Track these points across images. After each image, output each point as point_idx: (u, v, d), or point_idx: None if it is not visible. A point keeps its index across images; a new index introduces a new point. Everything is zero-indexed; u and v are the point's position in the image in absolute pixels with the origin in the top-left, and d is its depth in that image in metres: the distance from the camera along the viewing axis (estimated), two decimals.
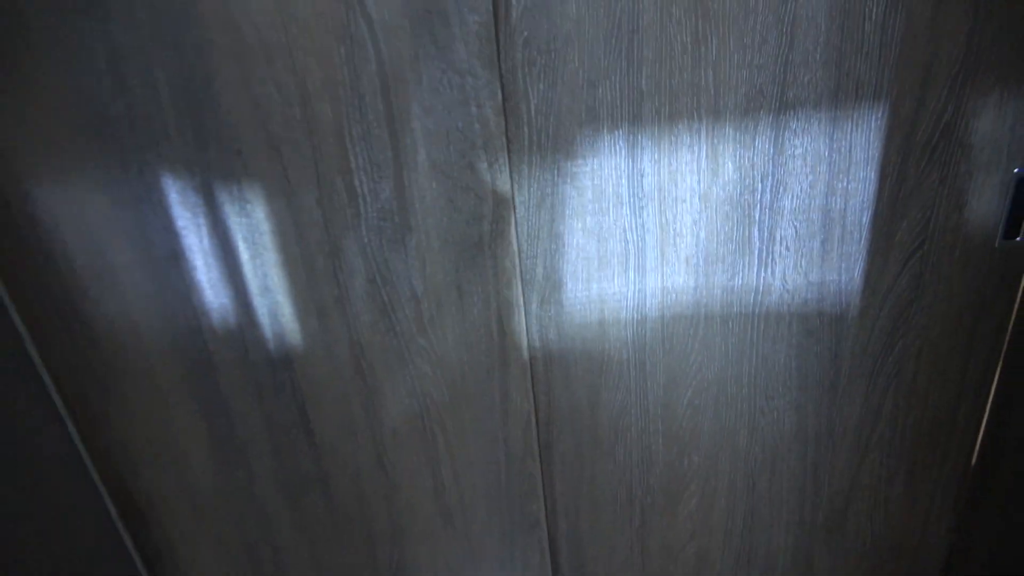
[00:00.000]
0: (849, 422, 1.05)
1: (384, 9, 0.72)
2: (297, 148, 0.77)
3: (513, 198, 0.84)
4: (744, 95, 0.81)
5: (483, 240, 0.85)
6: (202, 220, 0.80)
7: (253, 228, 0.81)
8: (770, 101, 0.82)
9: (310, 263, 0.83)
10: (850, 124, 0.84)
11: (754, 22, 0.78)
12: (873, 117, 0.83)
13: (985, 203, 0.90)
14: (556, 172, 0.84)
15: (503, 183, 0.83)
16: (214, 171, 0.77)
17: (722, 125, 0.83)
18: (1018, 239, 0.93)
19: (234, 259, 0.82)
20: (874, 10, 0.78)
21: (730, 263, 0.91)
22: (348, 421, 0.93)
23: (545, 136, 0.81)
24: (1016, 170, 0.88)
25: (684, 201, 0.87)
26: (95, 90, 0.72)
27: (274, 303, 0.85)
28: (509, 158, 0.82)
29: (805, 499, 1.12)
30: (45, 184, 0.76)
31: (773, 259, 0.91)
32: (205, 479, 0.95)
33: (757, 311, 0.95)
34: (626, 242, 0.89)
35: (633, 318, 0.94)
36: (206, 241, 0.81)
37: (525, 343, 0.93)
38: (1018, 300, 0.98)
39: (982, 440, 1.09)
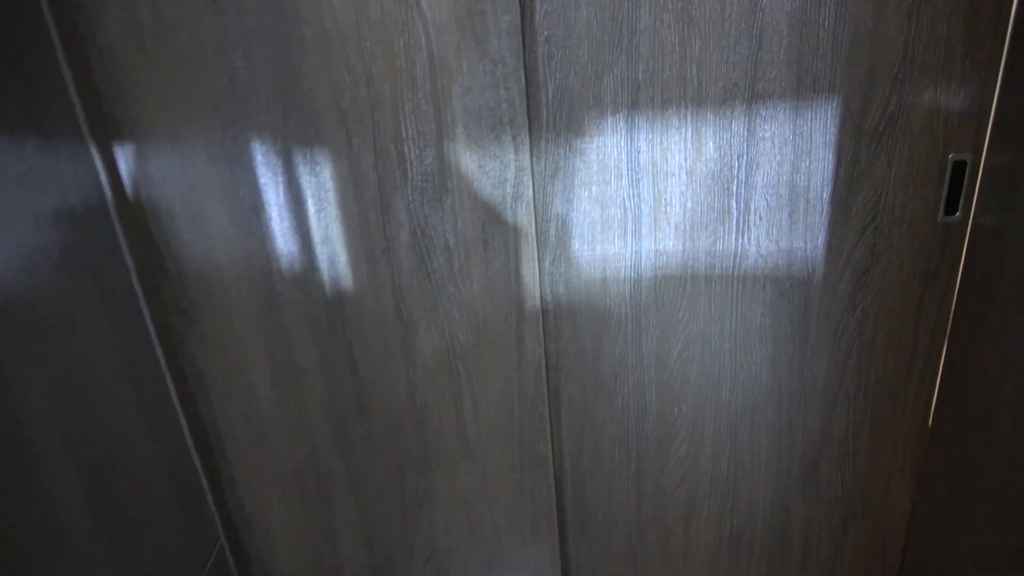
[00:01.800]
0: (818, 378, 1.21)
1: (436, 9, 0.91)
2: (360, 121, 0.96)
3: (532, 167, 1.02)
4: (722, 87, 1.00)
5: (506, 201, 1.03)
6: (280, 179, 0.98)
7: (320, 186, 0.99)
8: (743, 92, 1.00)
9: (364, 218, 1.01)
10: (810, 113, 1.02)
11: (729, 28, 0.97)
12: (829, 108, 1.02)
13: (927, 183, 1.08)
14: (568, 147, 1.02)
15: (523, 154, 1.01)
16: (293, 138, 0.96)
17: (704, 111, 1.01)
18: (957, 215, 1.10)
19: (303, 212, 1.01)
20: (826, 20, 0.97)
21: (712, 230, 1.09)
22: (387, 358, 1.11)
23: (559, 117, 1.00)
24: (950, 155, 1.06)
25: (673, 175, 1.05)
26: (206, 69, 0.92)
27: (332, 251, 1.03)
28: (529, 134, 1.00)
29: (782, 450, 1.28)
30: (159, 144, 0.95)
31: (748, 227, 1.09)
32: (265, 408, 1.12)
33: (736, 273, 1.12)
34: (625, 209, 1.07)
35: (630, 276, 1.11)
36: (282, 196, 0.99)
37: (538, 294, 1.10)
38: (960, 269, 1.15)
39: (937, 397, 1.25)
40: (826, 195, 1.07)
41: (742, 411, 1.24)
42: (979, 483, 1.21)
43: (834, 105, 1.02)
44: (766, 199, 1.07)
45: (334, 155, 0.98)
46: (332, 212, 1.01)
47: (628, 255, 1.10)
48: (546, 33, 0.96)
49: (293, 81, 0.94)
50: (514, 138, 1.00)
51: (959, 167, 1.07)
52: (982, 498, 1.21)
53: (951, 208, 1.10)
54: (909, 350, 1.20)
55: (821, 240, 1.10)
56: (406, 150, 0.98)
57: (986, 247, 1.10)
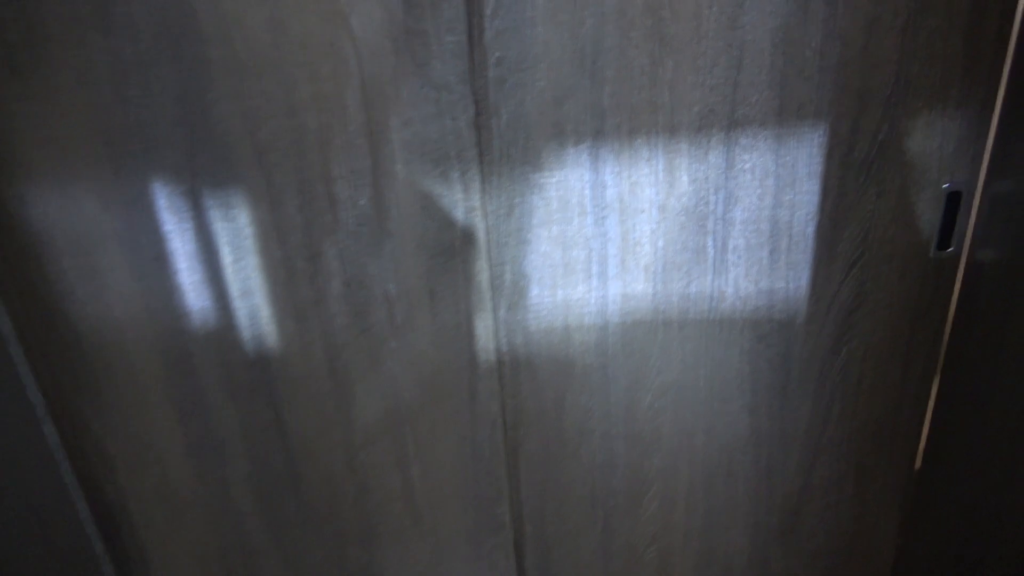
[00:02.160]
0: (800, 425, 1.11)
1: (368, 28, 0.78)
2: (282, 156, 0.82)
3: (483, 206, 0.89)
4: (697, 113, 0.88)
5: (454, 246, 0.90)
6: (188, 224, 0.83)
7: (237, 232, 0.85)
8: (721, 119, 0.89)
9: (290, 267, 0.87)
10: (794, 141, 0.91)
11: (706, 47, 0.85)
12: (815, 135, 0.91)
13: (919, 216, 0.98)
14: (524, 183, 0.89)
15: (474, 192, 0.88)
16: (202, 177, 0.81)
17: (678, 141, 0.89)
18: (951, 250, 1.01)
19: (217, 262, 0.86)
20: (813, 38, 0.86)
21: (686, 271, 0.97)
22: (322, 422, 0.97)
23: (514, 149, 0.87)
24: (945, 185, 0.96)
25: (643, 211, 0.93)
26: (95, 98, 0.76)
27: (254, 306, 0.89)
28: (480, 169, 0.87)
29: (760, 501, 1.17)
30: (40, 188, 0.79)
31: (726, 267, 0.98)
32: (180, 481, 0.97)
33: (712, 317, 1.01)
34: (589, 250, 0.94)
35: (596, 323, 0.99)
36: (191, 244, 0.84)
37: (493, 346, 0.97)
38: (953, 308, 1.05)
39: (925, 443, 1.16)
40: (810, 231, 0.97)
41: (718, 462, 1.13)
42: (968, 529, 1.12)
43: (821, 132, 0.91)
44: (745, 236, 0.96)
45: (252, 196, 0.83)
46: (251, 261, 0.86)
47: (593, 300, 0.98)
48: (498, 55, 0.83)
49: (199, 111, 0.79)
50: (463, 174, 0.87)
51: (954, 198, 0.97)
52: (971, 544, 1.13)
53: (944, 242, 1.00)
54: (897, 393, 1.11)
55: (804, 279, 1.00)
56: (337, 190, 0.84)
57: (981, 283, 1.01)
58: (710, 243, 0.96)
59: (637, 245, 0.95)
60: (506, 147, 0.87)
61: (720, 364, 1.04)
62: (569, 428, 1.06)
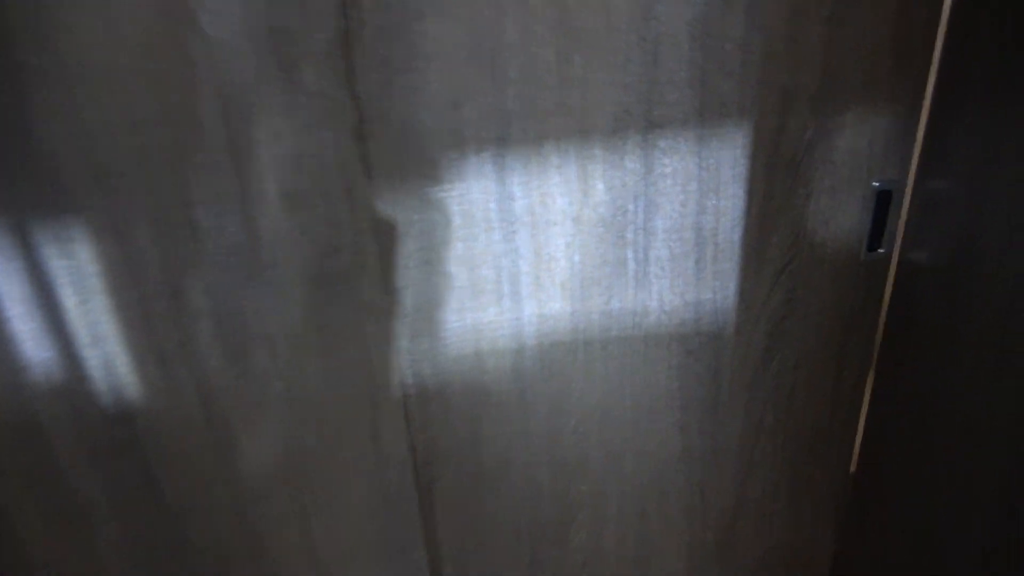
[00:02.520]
0: (732, 439, 1.04)
1: (221, 26, 0.65)
2: (127, 180, 0.69)
3: (375, 227, 0.78)
4: (612, 115, 0.79)
5: (344, 273, 0.79)
6: (16, 264, 0.70)
7: (78, 270, 0.71)
8: (638, 120, 0.80)
9: (147, 307, 0.74)
10: (717, 142, 0.83)
11: (618, 41, 0.76)
12: (739, 135, 0.83)
13: (850, 217, 0.92)
14: (420, 198, 0.79)
15: (362, 211, 0.77)
16: (29, 207, 0.68)
17: (591, 145, 0.80)
18: (881, 250, 0.95)
19: (58, 306, 0.72)
20: (735, 30, 0.77)
21: (606, 286, 0.88)
22: (202, 478, 0.84)
23: (407, 160, 0.76)
24: (875, 184, 0.90)
25: (556, 224, 0.84)
26: None
27: (108, 353, 0.75)
28: (368, 184, 0.76)
29: (694, 519, 1.11)
30: None
31: (649, 280, 0.89)
32: (39, 557, 0.84)
33: (636, 333, 0.92)
34: (499, 268, 0.84)
35: (511, 347, 0.89)
36: (23, 288, 0.70)
37: (397, 380, 0.87)
38: (884, 311, 1.00)
39: (859, 450, 1.11)
40: (737, 237, 0.89)
41: (649, 483, 1.05)
42: (904, 532, 1.08)
43: (745, 132, 0.83)
44: (668, 246, 0.88)
45: (93, 227, 0.70)
46: (100, 303, 0.73)
47: (507, 323, 0.88)
48: (382, 54, 0.71)
49: (17, 129, 0.65)
50: (348, 191, 0.75)
51: (884, 197, 0.91)
52: (907, 548, 1.09)
53: (875, 243, 0.94)
54: (830, 401, 1.05)
55: (732, 289, 0.92)
56: (199, 216, 0.72)
57: (913, 284, 0.95)
58: (630, 255, 0.87)
59: (551, 261, 0.86)
60: (397, 158, 0.76)
61: (647, 382, 0.96)
62: (488, 460, 0.96)
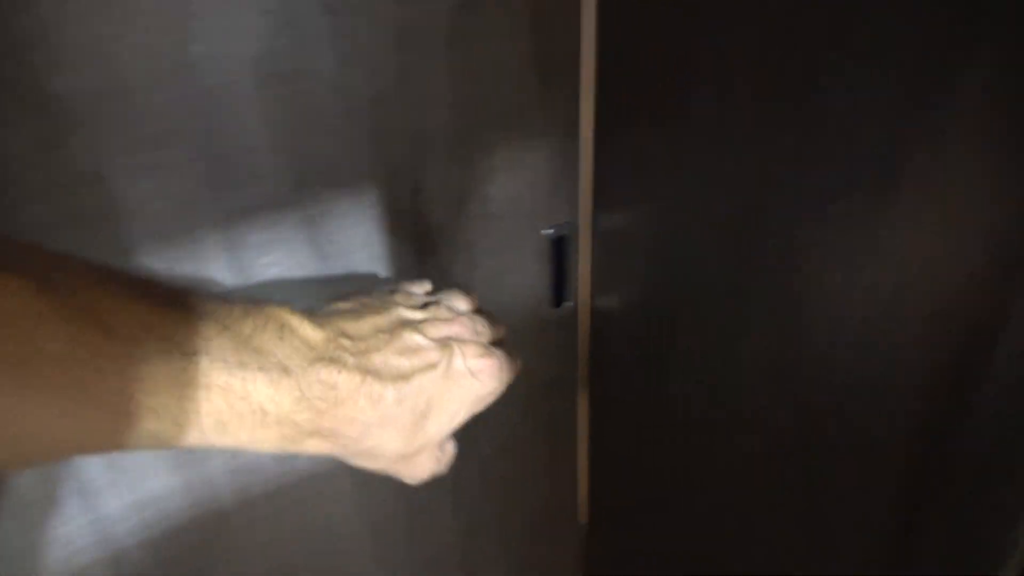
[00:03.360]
0: (443, 550, 0.85)
1: None
2: None
3: None
4: (166, 214, 0.53)
5: None
6: None
7: None
8: (206, 214, 0.54)
9: None
10: (336, 221, 0.60)
11: (157, 99, 0.49)
12: (364, 207, 0.61)
13: (527, 274, 0.75)
14: None
15: None
16: None
17: (139, 257, 0.53)
18: (569, 303, 0.80)
19: None
20: (323, 68, 0.54)
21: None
22: None
23: None
24: (547, 232, 0.73)
25: None
26: None
27: None
28: None
29: None
30: None
31: None
32: None
33: (287, 479, 0.68)
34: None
35: (105, 557, 0.60)
36: None
37: None
38: (586, 366, 0.86)
39: (589, 520, 0.97)
40: None
41: None
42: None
43: (371, 201, 0.61)
44: None
45: None
46: None
47: (87, 532, 0.59)
48: None
49: None
50: None
51: (559, 244, 0.75)
52: None
53: (560, 297, 0.79)
54: (546, 474, 0.90)
55: None
56: None
57: (611, 331, 0.82)
58: None
59: None
60: None
61: (320, 528, 0.73)
62: None
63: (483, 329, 0.47)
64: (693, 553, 0.82)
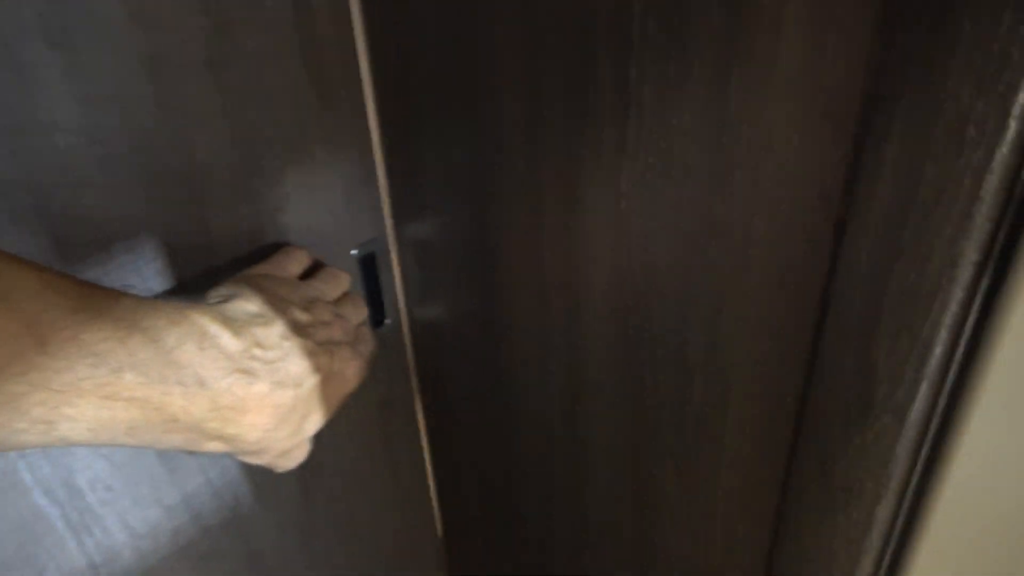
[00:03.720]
0: None
1: None
2: None
3: None
4: None
5: None
6: None
7: None
8: None
9: None
10: (116, 282, 0.52)
11: None
12: (145, 259, 0.53)
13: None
14: None
15: None
16: None
17: None
18: (388, 321, 0.76)
19: None
20: (56, 113, 0.46)
21: (32, 563, 0.52)
22: None
23: None
24: (353, 252, 0.69)
25: None
26: None
27: None
28: None
29: None
30: None
31: (91, 519, 0.56)
32: None
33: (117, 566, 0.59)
34: None
35: None
36: None
37: None
38: (416, 385, 0.83)
39: (444, 533, 0.95)
40: None
41: None
42: None
43: (152, 253, 0.54)
44: (109, 460, 0.55)
45: None
46: None
47: None
48: None
49: None
50: None
51: (369, 262, 0.71)
52: None
53: (379, 316, 0.75)
54: (397, 507, 0.86)
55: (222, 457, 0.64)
56: None
57: (437, 346, 0.79)
58: (50, 508, 0.52)
59: None
60: None
61: None
62: None
63: (352, 327, 0.52)
64: (547, 550, 0.82)
